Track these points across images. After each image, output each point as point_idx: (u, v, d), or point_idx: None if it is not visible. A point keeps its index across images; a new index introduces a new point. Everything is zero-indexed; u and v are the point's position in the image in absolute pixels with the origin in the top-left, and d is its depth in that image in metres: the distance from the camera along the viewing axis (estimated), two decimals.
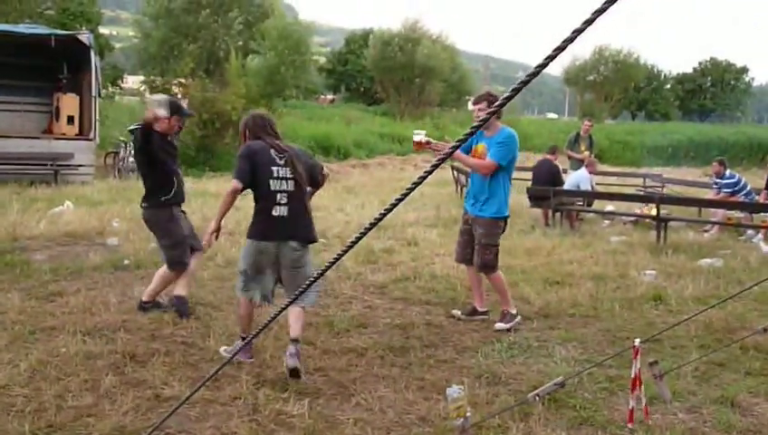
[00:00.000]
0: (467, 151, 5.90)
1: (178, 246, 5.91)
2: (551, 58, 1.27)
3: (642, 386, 2.80)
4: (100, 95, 16.50)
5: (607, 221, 12.39)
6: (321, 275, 1.91)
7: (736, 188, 12.05)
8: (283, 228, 4.80)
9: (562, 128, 35.63)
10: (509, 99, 1.42)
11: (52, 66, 16.21)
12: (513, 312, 5.96)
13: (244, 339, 4.89)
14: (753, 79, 68.39)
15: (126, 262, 7.65)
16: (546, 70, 1.35)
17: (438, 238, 9.74)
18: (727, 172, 12.33)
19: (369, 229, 1.63)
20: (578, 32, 1.25)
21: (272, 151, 4.86)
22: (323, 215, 11.16)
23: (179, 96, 4.88)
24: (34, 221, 9.66)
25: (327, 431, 3.88)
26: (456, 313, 6.18)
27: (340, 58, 48.81)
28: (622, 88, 47.84)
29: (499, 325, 5.86)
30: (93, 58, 15.52)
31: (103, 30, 35.36)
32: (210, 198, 12.09)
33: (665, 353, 5.15)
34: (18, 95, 16.55)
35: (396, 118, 34.32)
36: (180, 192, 6.01)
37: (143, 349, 5.02)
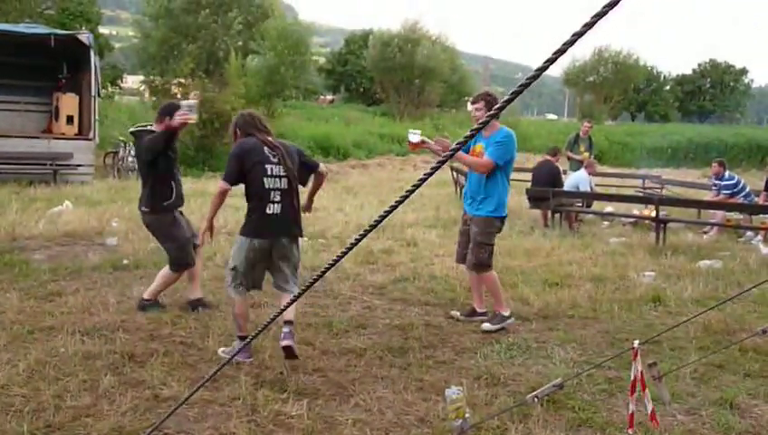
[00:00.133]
0: (466, 151, 5.90)
1: (183, 249, 5.98)
2: (551, 61, 1.27)
3: (647, 389, 2.80)
4: (99, 95, 16.48)
5: (606, 222, 12.40)
6: (321, 276, 1.91)
7: (736, 190, 12.05)
8: (277, 226, 4.90)
9: (562, 129, 35.62)
10: (509, 101, 1.42)
11: (51, 66, 16.22)
12: (506, 314, 5.90)
13: (241, 338, 4.90)
14: (752, 80, 68.57)
15: (125, 262, 7.65)
16: (546, 71, 1.35)
17: (438, 239, 9.74)
18: (726, 174, 12.33)
19: (369, 231, 1.63)
20: (578, 35, 1.25)
21: (265, 149, 4.91)
22: (323, 215, 11.17)
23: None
24: (33, 221, 9.66)
25: (326, 432, 3.87)
26: (456, 314, 6.18)
27: (339, 58, 48.77)
28: (622, 89, 47.86)
29: (486, 326, 5.83)
30: (93, 58, 15.51)
31: (103, 30, 35.31)
32: (209, 199, 12.02)
33: (664, 355, 5.15)
34: (18, 95, 16.55)
35: (395, 118, 34.32)
36: (181, 195, 6.09)
37: (142, 349, 5.02)
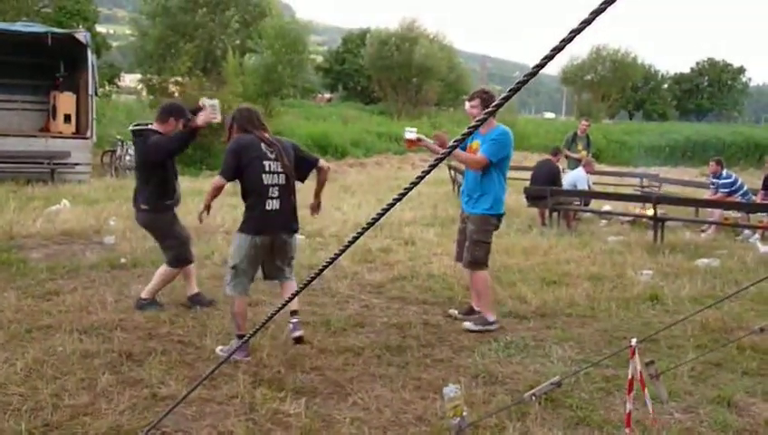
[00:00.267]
0: (463, 149, 5.89)
1: (184, 244, 6.04)
2: (548, 58, 1.27)
3: (645, 389, 2.80)
4: (96, 94, 16.48)
5: (604, 221, 12.41)
6: (319, 274, 1.91)
7: (733, 188, 12.07)
8: (278, 222, 4.95)
9: (560, 127, 35.65)
10: (506, 99, 1.42)
11: (48, 65, 16.18)
12: (490, 319, 5.79)
13: (240, 337, 4.90)
14: (750, 79, 68.59)
15: (122, 260, 7.64)
16: (543, 69, 1.34)
17: (435, 238, 9.74)
18: (724, 172, 12.34)
19: (366, 229, 1.63)
20: (575, 32, 1.25)
21: (262, 145, 4.92)
22: (320, 214, 11.14)
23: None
24: (31, 220, 9.65)
25: (324, 431, 3.87)
26: (453, 312, 6.17)
27: (337, 57, 48.79)
28: (619, 88, 47.90)
29: (467, 325, 5.80)
30: (90, 56, 15.48)
31: (100, 28, 35.31)
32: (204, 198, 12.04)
33: (661, 353, 5.15)
34: (15, 93, 16.53)
35: (393, 117, 34.33)
36: (179, 194, 6.13)
37: (140, 348, 5.01)
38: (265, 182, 4.87)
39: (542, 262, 8.36)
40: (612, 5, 1.22)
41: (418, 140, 5.61)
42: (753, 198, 12.13)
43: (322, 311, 6.10)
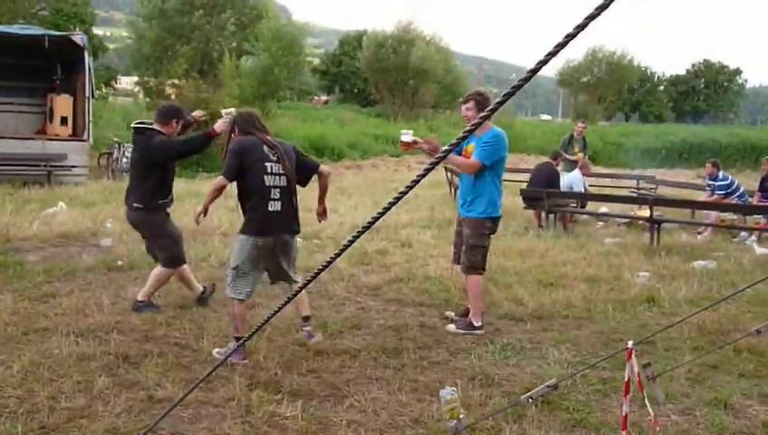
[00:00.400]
0: (459, 152, 5.88)
1: (177, 243, 6.06)
2: (543, 63, 1.27)
3: (644, 391, 2.80)
4: (93, 96, 16.43)
5: (600, 223, 12.42)
6: (315, 277, 1.91)
7: (730, 190, 12.07)
8: (280, 223, 4.98)
9: (556, 129, 35.66)
10: (501, 103, 1.42)
11: (45, 67, 16.16)
12: (476, 324, 5.76)
13: (237, 339, 4.90)
14: (746, 81, 68.77)
15: (119, 263, 7.64)
16: (540, 71, 1.35)
17: (432, 240, 9.73)
18: (720, 174, 12.35)
19: (363, 232, 1.63)
20: (570, 36, 1.26)
21: (264, 147, 4.96)
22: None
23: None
24: (28, 222, 9.64)
25: (320, 433, 3.87)
26: (450, 314, 6.17)
27: (333, 59, 48.83)
28: (616, 90, 47.98)
29: (451, 327, 5.81)
30: (87, 59, 15.46)
31: (97, 31, 35.30)
32: (203, 199, 12.03)
33: (658, 355, 5.16)
34: (12, 96, 16.49)
35: (390, 119, 34.34)
36: (173, 195, 6.18)
37: (136, 350, 5.01)
38: (267, 184, 4.90)
39: (539, 264, 8.37)
40: (608, 9, 1.23)
41: (414, 142, 5.61)
42: (750, 199, 12.14)
43: (319, 313, 6.10)
